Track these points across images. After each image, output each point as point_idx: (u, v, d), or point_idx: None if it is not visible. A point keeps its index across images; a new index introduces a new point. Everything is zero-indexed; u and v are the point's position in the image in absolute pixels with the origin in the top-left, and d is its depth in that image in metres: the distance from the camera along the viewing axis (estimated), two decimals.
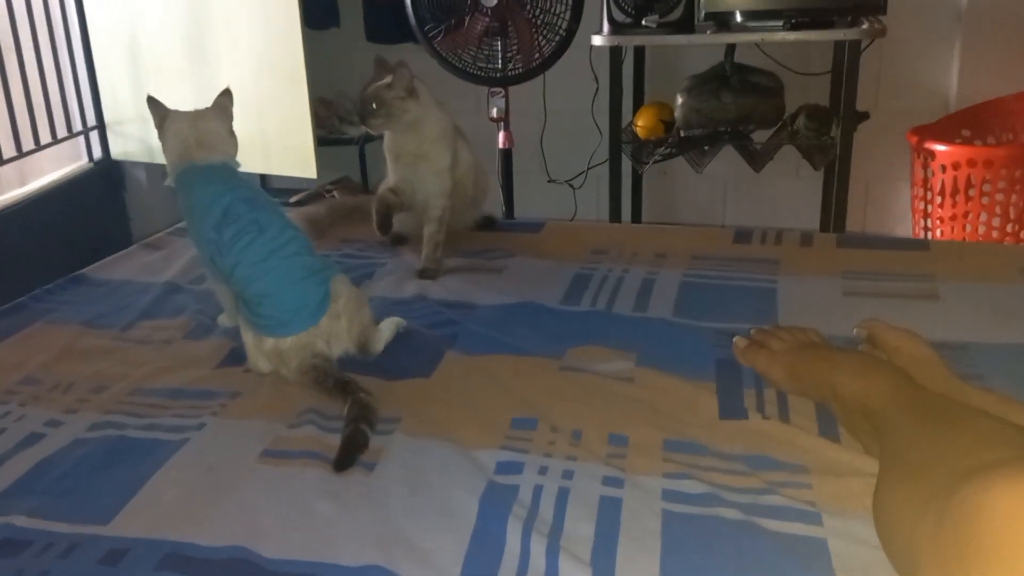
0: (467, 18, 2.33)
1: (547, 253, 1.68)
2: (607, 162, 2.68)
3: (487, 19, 2.32)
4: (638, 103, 2.91)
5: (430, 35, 2.34)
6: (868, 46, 2.53)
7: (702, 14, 2.42)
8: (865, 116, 2.62)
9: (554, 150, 3.18)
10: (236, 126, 1.35)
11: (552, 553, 0.84)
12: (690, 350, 1.25)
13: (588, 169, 3.14)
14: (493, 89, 2.45)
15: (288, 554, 0.86)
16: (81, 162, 2.87)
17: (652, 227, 2.54)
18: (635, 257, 1.63)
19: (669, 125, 2.67)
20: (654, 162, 2.67)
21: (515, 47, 2.38)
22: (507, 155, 2.58)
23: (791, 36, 2.41)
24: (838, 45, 2.67)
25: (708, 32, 2.45)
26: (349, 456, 1.01)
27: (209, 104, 1.34)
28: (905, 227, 2.98)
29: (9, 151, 2.50)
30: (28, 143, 2.57)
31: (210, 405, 1.15)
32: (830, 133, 2.54)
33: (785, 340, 1.17)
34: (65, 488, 0.98)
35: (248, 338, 1.24)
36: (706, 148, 2.62)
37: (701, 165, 2.64)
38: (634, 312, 1.40)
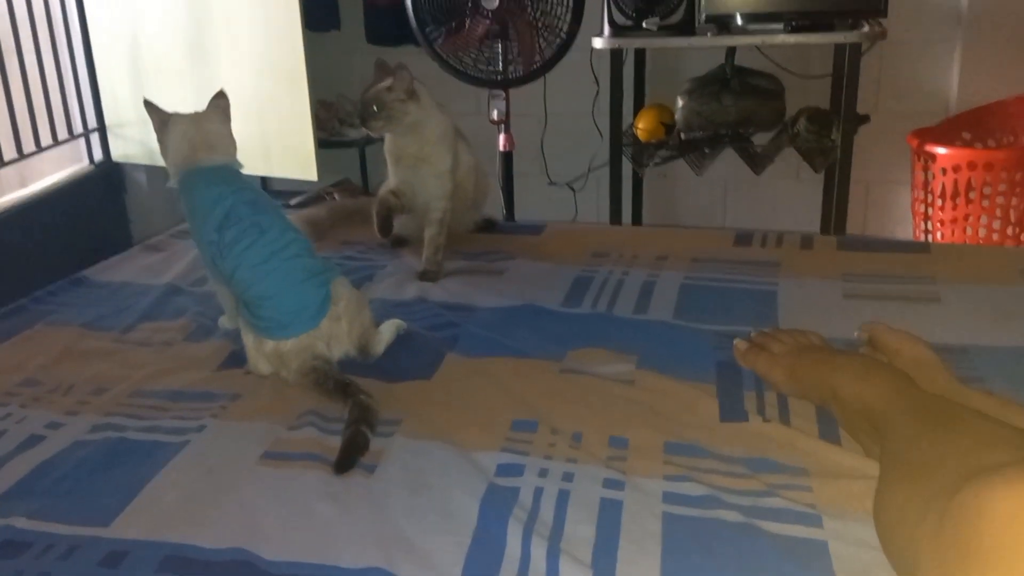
0: (468, 20, 2.33)
1: (548, 255, 1.68)
2: (607, 164, 2.68)
3: (488, 21, 2.32)
4: (639, 105, 2.91)
5: (431, 37, 2.34)
6: (869, 49, 2.54)
7: (703, 17, 2.42)
8: (866, 119, 2.62)
9: (555, 152, 3.18)
10: (236, 128, 1.35)
11: (552, 555, 0.84)
12: (691, 352, 1.25)
13: (589, 171, 3.14)
14: (494, 91, 2.45)
15: (288, 556, 0.86)
16: (82, 164, 2.87)
17: (653, 229, 2.54)
18: (635, 259, 1.63)
19: (670, 128, 2.67)
20: (655, 164, 2.67)
21: (516, 49, 2.38)
22: (508, 157, 2.58)
23: (792, 39, 2.41)
24: (839, 48, 2.67)
25: (709, 35, 2.46)
26: (349, 458, 1.01)
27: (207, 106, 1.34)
28: (906, 230, 2.98)
29: (10, 153, 2.50)
30: (29, 145, 2.58)
31: (210, 407, 1.15)
32: (831, 136, 2.54)
33: (785, 343, 1.17)
34: (65, 490, 0.98)
35: (248, 340, 1.24)
36: (707, 151, 2.62)
37: (702, 167, 2.64)
38: (635, 314, 1.40)
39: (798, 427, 1.05)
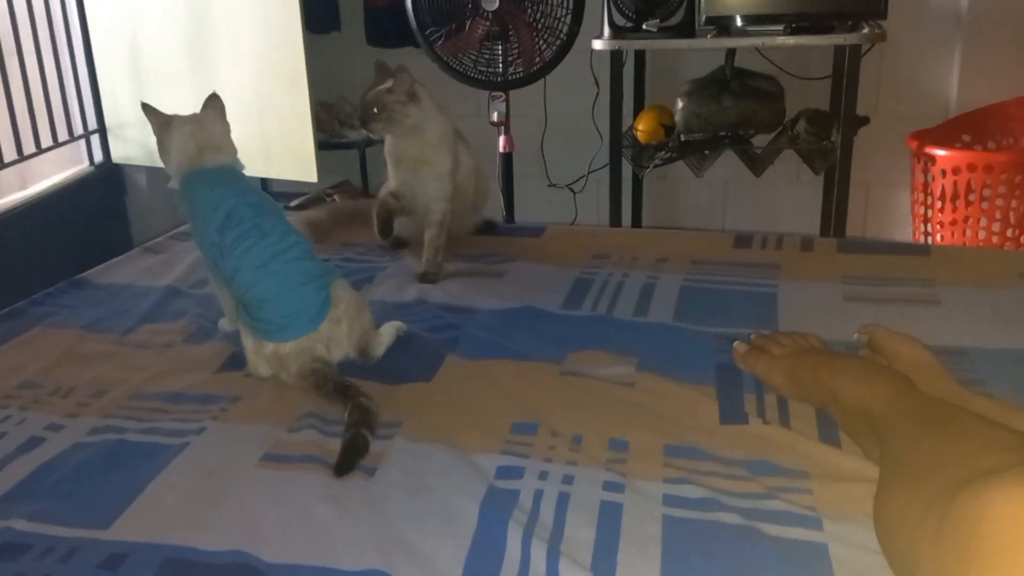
0: (468, 22, 2.33)
1: (548, 257, 1.68)
2: (607, 166, 2.68)
3: (488, 23, 2.32)
4: (638, 107, 2.91)
5: (431, 39, 2.34)
6: (868, 51, 2.54)
7: (703, 18, 2.42)
8: (865, 121, 2.63)
9: (554, 154, 3.18)
10: (236, 129, 1.35)
11: (552, 558, 0.84)
12: (691, 355, 1.25)
13: (588, 173, 3.14)
14: (494, 93, 2.46)
15: (288, 558, 0.86)
16: (82, 166, 2.88)
17: (652, 231, 2.55)
18: (635, 261, 1.63)
19: (669, 129, 2.67)
20: (654, 166, 2.67)
21: (516, 51, 2.38)
22: (508, 159, 2.58)
23: (791, 40, 2.41)
24: (838, 50, 2.67)
25: (708, 36, 2.46)
26: (349, 460, 1.01)
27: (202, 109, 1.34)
28: (905, 232, 2.98)
29: (10, 154, 2.51)
30: (29, 146, 2.58)
31: (210, 409, 1.15)
32: (830, 137, 2.54)
33: (785, 345, 1.17)
34: (65, 492, 0.98)
35: (248, 342, 1.24)
36: (706, 152, 2.62)
37: (701, 169, 2.64)
38: (635, 317, 1.40)
39: (798, 429, 1.05)
